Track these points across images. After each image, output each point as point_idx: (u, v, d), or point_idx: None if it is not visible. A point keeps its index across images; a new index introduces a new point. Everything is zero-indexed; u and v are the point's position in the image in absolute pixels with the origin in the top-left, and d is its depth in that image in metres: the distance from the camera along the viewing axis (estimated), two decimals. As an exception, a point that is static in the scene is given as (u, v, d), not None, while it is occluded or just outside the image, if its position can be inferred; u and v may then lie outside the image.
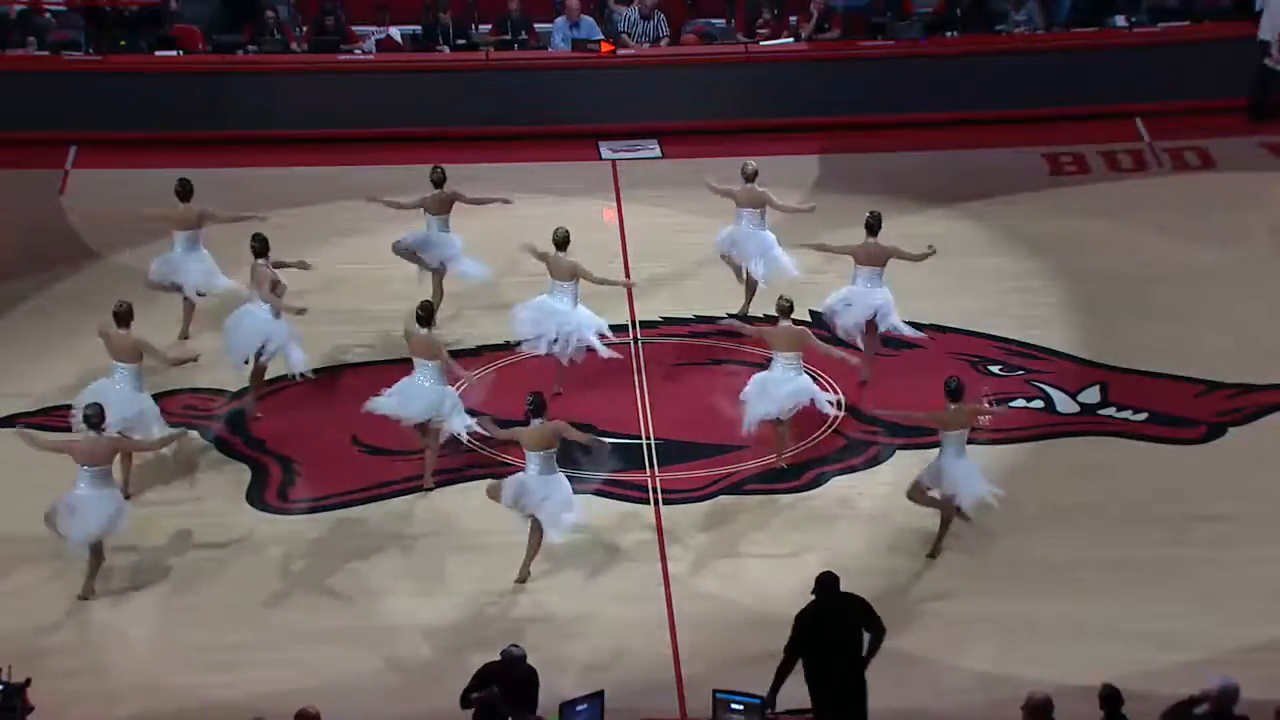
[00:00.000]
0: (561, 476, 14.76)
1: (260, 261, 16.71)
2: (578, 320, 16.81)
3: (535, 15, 23.60)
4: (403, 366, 16.88)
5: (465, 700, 12.39)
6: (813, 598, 12.78)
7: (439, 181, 18.08)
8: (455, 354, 16.23)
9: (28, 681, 12.32)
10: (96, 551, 14.60)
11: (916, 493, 15.05)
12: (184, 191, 17.65)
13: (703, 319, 18.45)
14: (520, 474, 14.82)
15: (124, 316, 15.79)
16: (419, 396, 15.72)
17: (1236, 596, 14.56)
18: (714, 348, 17.98)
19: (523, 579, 14.80)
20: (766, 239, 18.07)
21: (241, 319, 16.74)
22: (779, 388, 15.88)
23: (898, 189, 21.23)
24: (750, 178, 18.11)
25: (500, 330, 17.71)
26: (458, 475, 16.16)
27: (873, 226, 17.04)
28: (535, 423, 14.66)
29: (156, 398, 17.00)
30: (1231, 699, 11.86)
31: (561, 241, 16.94)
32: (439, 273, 18.23)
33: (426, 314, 15.86)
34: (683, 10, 24.26)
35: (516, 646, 12.58)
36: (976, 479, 14.91)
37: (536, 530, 14.74)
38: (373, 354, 18.04)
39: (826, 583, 12.76)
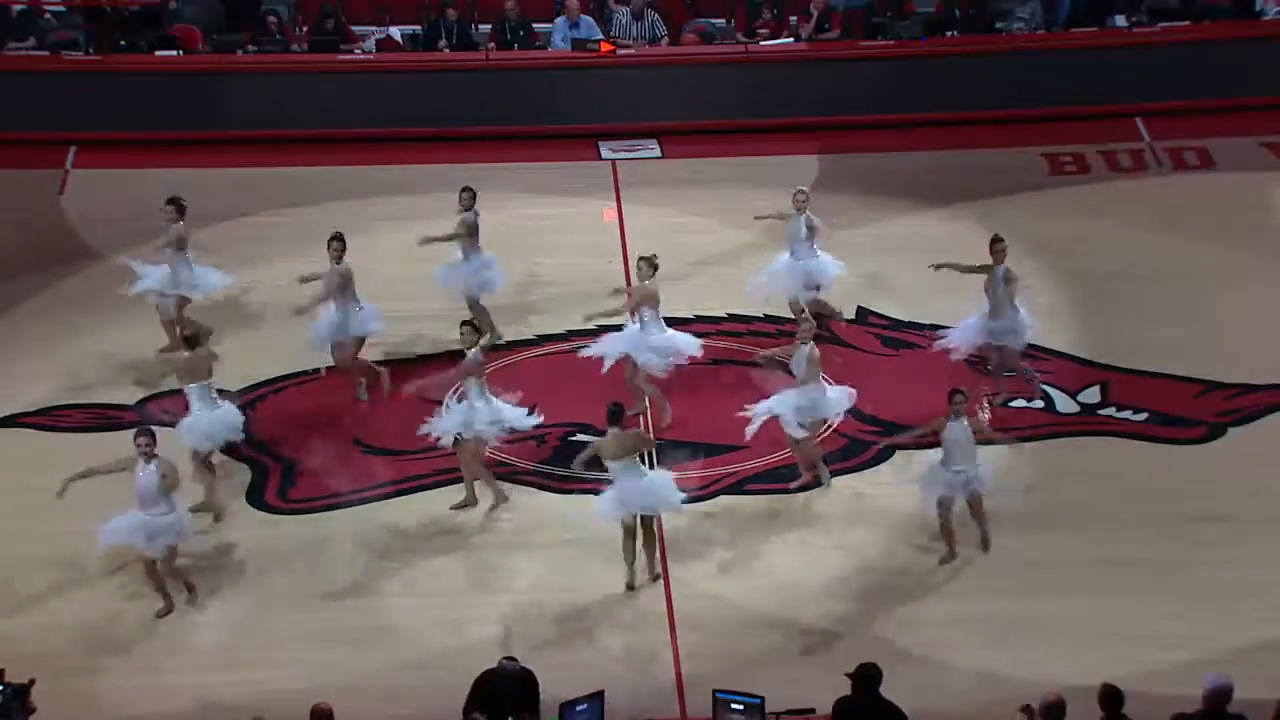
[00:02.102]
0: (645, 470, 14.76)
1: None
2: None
3: (535, 15, 23.59)
4: (402, 367, 16.90)
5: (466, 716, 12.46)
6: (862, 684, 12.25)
7: (471, 204, 17.74)
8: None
9: (32, 682, 12.32)
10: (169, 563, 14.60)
11: (943, 516, 15.00)
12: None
13: (703, 319, 18.45)
14: (610, 489, 14.73)
15: (194, 340, 15.74)
16: None
17: (1236, 596, 14.56)
18: (714, 347, 17.96)
19: (635, 584, 14.80)
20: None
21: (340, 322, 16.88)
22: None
23: (898, 189, 21.23)
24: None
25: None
26: (458, 476, 16.14)
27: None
28: (612, 431, 14.56)
29: (152, 398, 17.12)
30: (1225, 698, 11.85)
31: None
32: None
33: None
34: (683, 10, 24.25)
35: (511, 659, 12.59)
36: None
37: (645, 528, 14.74)
38: (373, 353, 18.02)
39: (867, 677, 12.15)
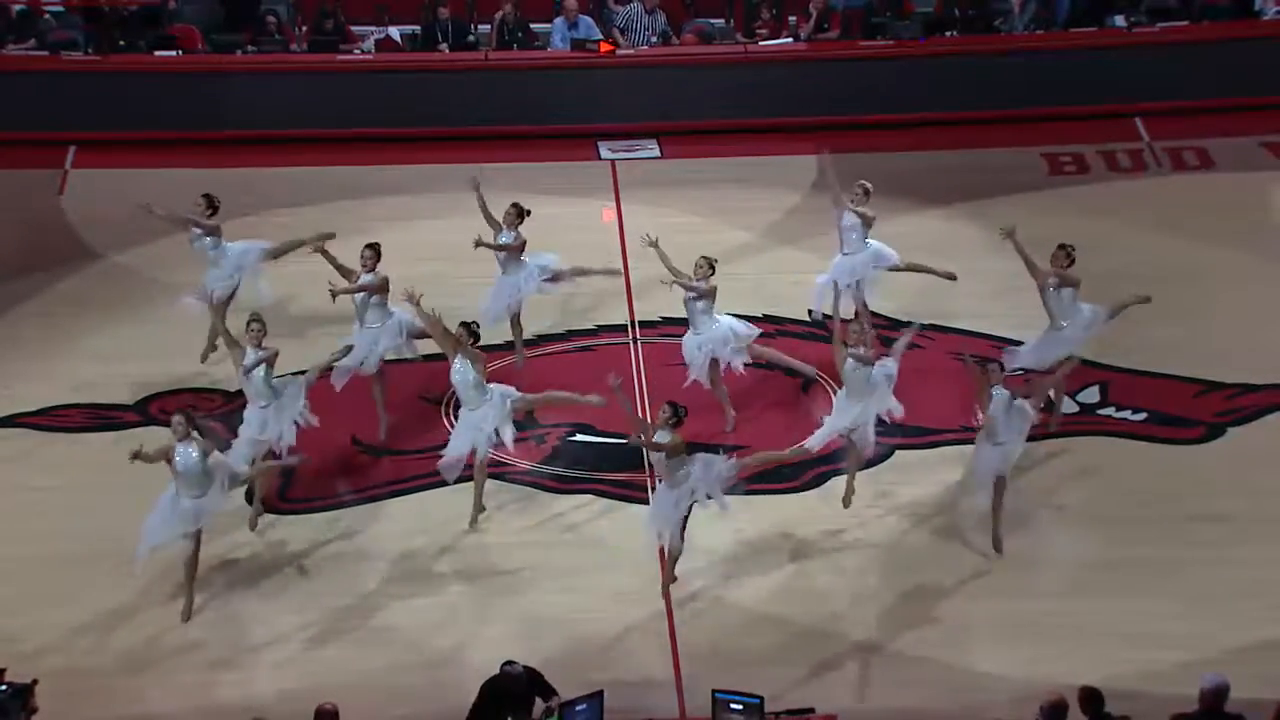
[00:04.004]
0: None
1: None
2: None
3: (533, 16, 23.60)
4: (401, 366, 16.91)
5: None
6: None
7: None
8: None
9: (34, 682, 12.33)
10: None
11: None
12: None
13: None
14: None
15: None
16: None
17: (1236, 596, 14.57)
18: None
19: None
20: None
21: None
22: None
23: (897, 189, 21.18)
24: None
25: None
26: (458, 476, 16.14)
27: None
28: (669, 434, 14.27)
29: (159, 396, 17.10)
30: (1222, 697, 11.85)
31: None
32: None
33: None
34: (682, 10, 24.26)
35: (511, 663, 12.60)
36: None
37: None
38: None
39: None
